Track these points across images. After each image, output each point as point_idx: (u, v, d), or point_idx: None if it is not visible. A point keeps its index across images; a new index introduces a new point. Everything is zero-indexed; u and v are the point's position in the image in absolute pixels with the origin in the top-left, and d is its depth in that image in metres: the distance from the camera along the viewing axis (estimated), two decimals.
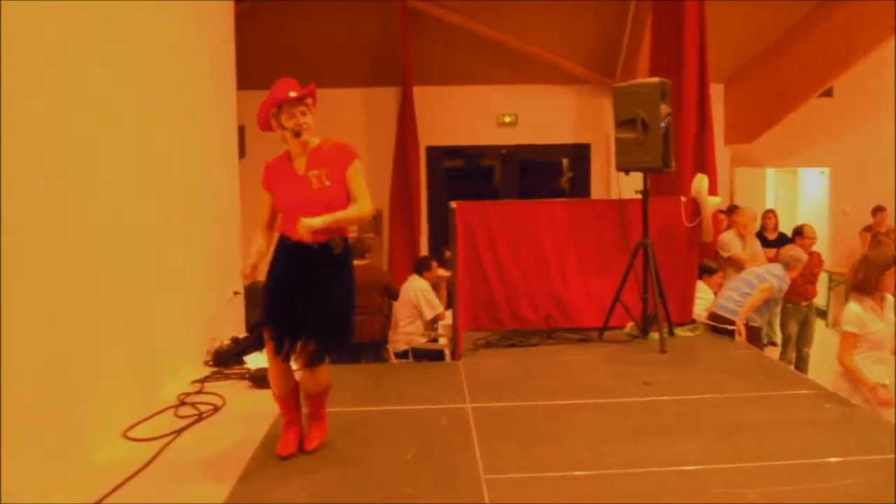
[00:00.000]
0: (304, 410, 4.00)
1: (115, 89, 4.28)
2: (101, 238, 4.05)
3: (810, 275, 8.08)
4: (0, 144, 3.02)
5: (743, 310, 6.36)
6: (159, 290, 4.90)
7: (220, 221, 6.41)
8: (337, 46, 10.05)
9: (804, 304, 8.14)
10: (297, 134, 3.65)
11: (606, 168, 11.04)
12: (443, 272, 7.52)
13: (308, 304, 3.69)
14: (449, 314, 6.94)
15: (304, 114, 3.66)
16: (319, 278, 3.71)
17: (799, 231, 8.27)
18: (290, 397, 3.95)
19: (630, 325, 6.53)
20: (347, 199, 3.71)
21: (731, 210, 8.53)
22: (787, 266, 6.66)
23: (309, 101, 3.69)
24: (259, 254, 3.86)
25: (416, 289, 7.31)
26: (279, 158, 3.82)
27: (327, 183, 3.67)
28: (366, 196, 3.75)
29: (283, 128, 3.66)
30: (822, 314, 11.71)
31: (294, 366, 3.90)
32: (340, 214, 3.65)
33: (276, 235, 3.84)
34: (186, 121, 5.58)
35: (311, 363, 3.80)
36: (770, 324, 7.94)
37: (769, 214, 8.98)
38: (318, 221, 3.55)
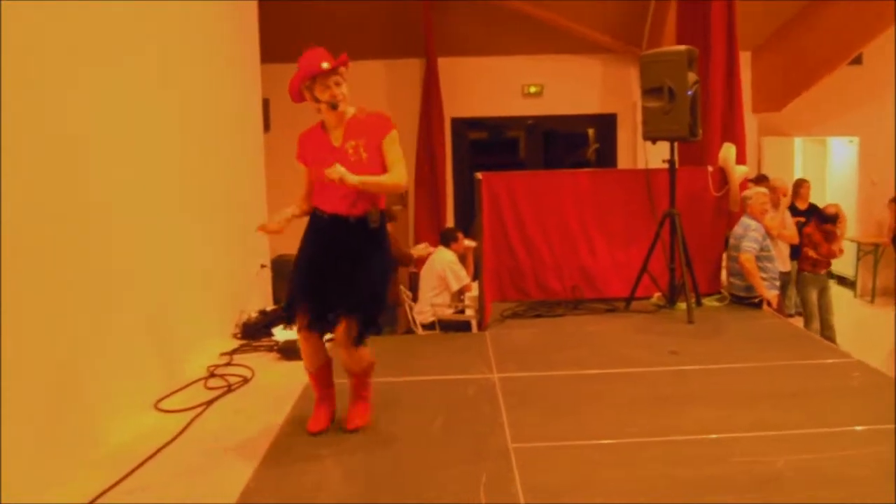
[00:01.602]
0: (349, 389, 3.91)
1: (137, 65, 4.30)
2: (128, 214, 4.09)
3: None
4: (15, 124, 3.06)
5: (756, 284, 6.29)
6: (187, 263, 4.94)
7: (246, 195, 6.44)
8: (360, 18, 10.00)
9: (823, 272, 8.05)
10: (333, 106, 3.58)
11: (633, 138, 10.95)
12: (469, 243, 7.51)
13: (345, 279, 3.61)
14: (475, 285, 6.95)
15: (338, 84, 3.59)
16: (357, 253, 3.64)
17: (828, 217, 8.04)
18: (323, 373, 3.88)
19: (657, 295, 6.51)
20: (384, 172, 3.63)
21: (760, 179, 8.43)
22: (750, 210, 6.50)
23: (342, 70, 3.61)
24: (288, 217, 3.74)
25: (443, 260, 7.31)
26: (313, 129, 3.75)
27: (364, 155, 3.60)
28: (402, 165, 3.67)
29: (317, 100, 3.59)
30: (851, 285, 11.63)
31: (328, 343, 3.86)
32: (375, 178, 3.57)
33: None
34: (211, 95, 5.60)
35: (354, 341, 3.66)
36: (787, 295, 7.89)
37: (802, 183, 8.87)
38: (355, 179, 3.46)
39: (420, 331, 7.20)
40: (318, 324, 3.68)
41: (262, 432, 3.80)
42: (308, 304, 3.67)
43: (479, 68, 10.63)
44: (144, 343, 4.22)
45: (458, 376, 4.73)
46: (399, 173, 3.66)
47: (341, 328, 3.62)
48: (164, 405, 4.19)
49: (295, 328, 3.76)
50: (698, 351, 5.17)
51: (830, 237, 7.89)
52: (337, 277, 3.62)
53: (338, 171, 3.43)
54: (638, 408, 4.11)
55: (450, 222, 10.63)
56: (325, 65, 3.54)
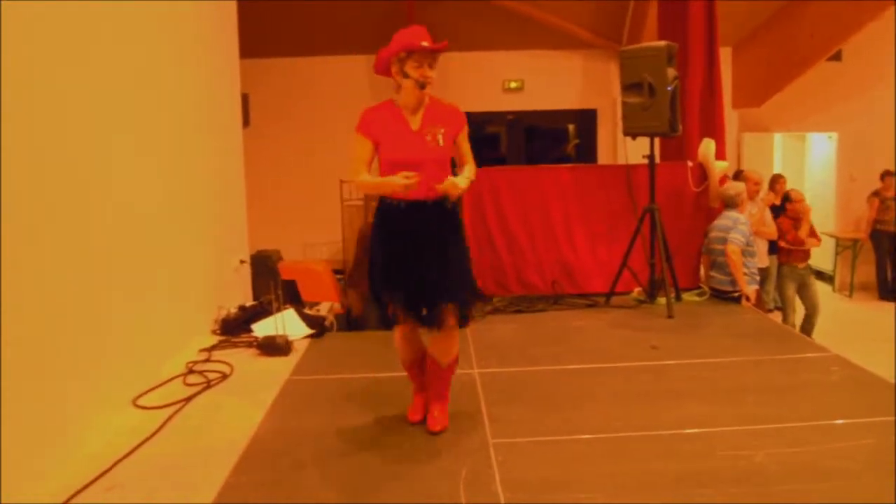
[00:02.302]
0: (428, 387, 3.86)
1: (114, 59, 4.24)
2: (106, 209, 4.04)
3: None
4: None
5: (738, 277, 6.31)
6: (165, 259, 4.90)
7: (226, 190, 6.39)
8: (342, 13, 9.97)
9: (801, 266, 8.09)
10: (422, 85, 3.52)
11: (613, 133, 10.99)
12: None
13: (434, 266, 3.56)
14: None
15: (431, 67, 3.56)
16: (439, 237, 3.60)
17: (787, 197, 8.19)
18: (419, 364, 3.87)
19: (637, 290, 6.52)
20: (450, 162, 3.65)
21: (738, 175, 8.47)
22: (734, 206, 6.53)
23: (438, 56, 3.59)
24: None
25: None
26: (384, 107, 3.66)
27: (441, 143, 3.58)
28: (472, 160, 3.75)
29: (405, 76, 3.54)
30: (830, 279, 11.72)
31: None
32: (470, 174, 3.66)
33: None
34: (190, 90, 5.55)
35: (457, 326, 3.65)
36: (765, 290, 7.92)
37: (779, 179, 8.91)
38: (465, 184, 3.54)
39: None
40: (414, 316, 3.62)
41: (242, 429, 3.77)
42: (401, 298, 3.60)
43: (460, 64, 10.60)
44: (122, 339, 4.17)
45: None
46: (474, 168, 3.75)
47: (440, 316, 3.58)
48: (143, 402, 4.15)
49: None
50: (679, 346, 5.19)
51: (797, 224, 7.94)
52: (425, 266, 3.56)
53: (451, 184, 3.47)
54: (619, 403, 4.11)
55: None
56: (425, 43, 3.52)
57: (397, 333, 3.79)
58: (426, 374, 3.84)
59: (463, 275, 3.67)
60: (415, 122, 3.61)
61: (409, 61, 3.53)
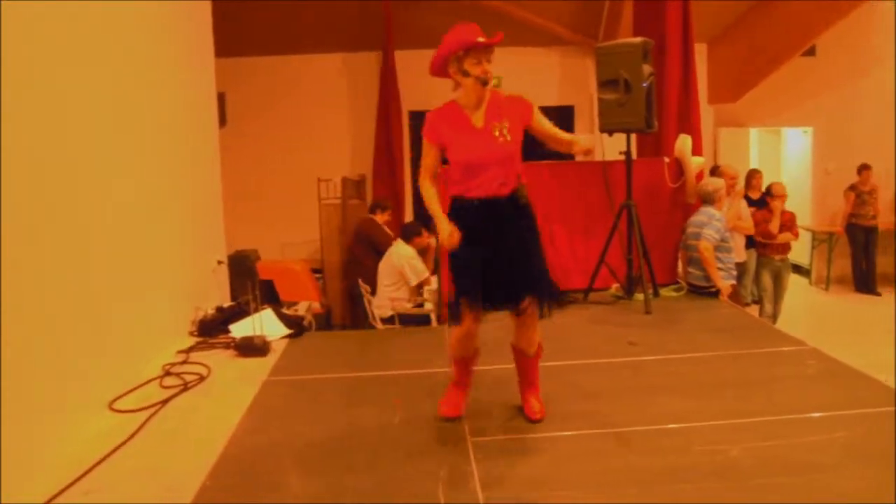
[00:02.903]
0: (520, 379, 3.96)
1: (88, 60, 4.20)
2: (81, 209, 4.00)
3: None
4: None
5: (711, 273, 6.34)
6: (142, 260, 4.86)
7: (202, 190, 6.35)
8: (318, 12, 9.93)
9: (777, 258, 8.15)
10: (483, 82, 3.51)
11: (590, 130, 11.00)
12: (432, 242, 7.47)
13: (513, 261, 3.58)
14: (434, 279, 6.94)
15: (489, 62, 3.54)
16: (515, 232, 3.61)
17: (769, 191, 8.26)
18: (472, 360, 3.92)
19: (615, 286, 6.54)
20: (520, 155, 3.64)
21: (714, 170, 8.50)
22: (711, 202, 6.56)
23: (493, 50, 3.56)
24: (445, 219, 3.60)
25: (401, 255, 7.28)
26: (447, 109, 3.66)
27: (508, 137, 3.56)
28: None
29: (465, 74, 3.52)
30: (807, 273, 11.81)
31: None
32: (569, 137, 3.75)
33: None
34: (165, 89, 5.50)
35: (540, 316, 3.72)
36: (743, 284, 7.97)
37: (755, 174, 8.96)
38: (587, 142, 3.74)
39: (379, 325, 7.17)
40: (490, 311, 3.67)
41: (219, 430, 3.74)
42: (482, 297, 3.61)
43: None
44: (98, 342, 4.13)
45: (417, 371, 4.71)
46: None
47: (524, 309, 3.67)
48: (119, 405, 4.11)
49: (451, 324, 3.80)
50: (657, 341, 5.20)
51: (770, 217, 8.00)
52: (503, 262, 3.57)
53: (585, 142, 3.72)
54: (597, 399, 4.12)
55: (408, 216, 10.61)
56: (481, 39, 3.49)
57: (460, 329, 3.74)
58: (517, 366, 3.95)
59: (543, 268, 3.71)
60: (478, 120, 3.60)
61: (468, 59, 3.51)
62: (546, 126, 3.71)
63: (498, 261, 3.57)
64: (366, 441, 3.64)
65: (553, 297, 3.72)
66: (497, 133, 3.54)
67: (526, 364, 3.91)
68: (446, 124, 3.61)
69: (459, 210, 3.62)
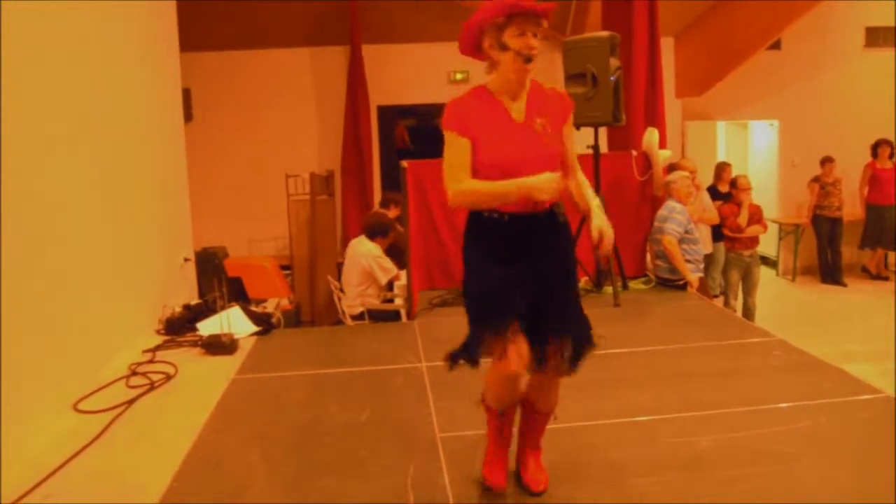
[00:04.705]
0: (521, 438, 3.22)
1: (47, 55, 4.14)
2: (44, 207, 3.94)
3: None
4: None
5: (679, 266, 6.39)
6: (107, 258, 4.80)
7: (168, 187, 6.29)
8: (285, 6, 9.87)
9: (746, 253, 8.22)
10: (527, 59, 2.73)
11: None
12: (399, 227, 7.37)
13: (548, 291, 2.88)
14: (403, 274, 6.91)
15: (535, 35, 2.74)
16: (553, 256, 2.90)
17: (734, 184, 8.34)
18: (514, 411, 3.12)
19: (584, 279, 6.56)
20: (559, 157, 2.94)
21: (671, 168, 8.52)
22: (675, 194, 6.60)
23: (544, 22, 2.77)
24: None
25: (367, 254, 7.21)
26: (475, 96, 2.88)
27: (550, 135, 2.87)
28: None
29: (503, 48, 2.74)
30: (774, 264, 11.92)
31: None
32: (592, 193, 3.04)
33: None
34: (127, 85, 5.44)
35: (569, 364, 2.94)
36: (711, 276, 8.04)
37: (725, 167, 9.01)
38: (602, 218, 2.89)
39: (349, 322, 7.14)
40: (534, 352, 2.85)
41: (186, 431, 3.71)
42: (521, 331, 2.81)
43: (404, 55, 10.57)
44: (62, 341, 4.08)
45: (386, 366, 4.69)
46: (586, 180, 3.10)
47: (552, 353, 2.90)
48: (84, 406, 4.06)
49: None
50: (626, 334, 5.22)
51: (737, 210, 8.07)
52: (537, 291, 2.86)
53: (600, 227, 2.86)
54: (566, 392, 4.07)
55: None
56: (527, 4, 2.70)
57: (510, 376, 2.83)
58: (522, 423, 3.18)
59: (578, 300, 3.01)
60: (517, 111, 2.86)
61: (509, 29, 2.73)
62: (569, 142, 3.03)
63: (532, 292, 2.85)
64: (334, 438, 3.63)
65: (587, 343, 2.98)
66: (540, 130, 2.84)
67: (536, 422, 3.14)
68: (475, 115, 2.83)
69: (486, 224, 2.91)
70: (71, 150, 4.36)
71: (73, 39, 4.50)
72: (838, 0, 10.92)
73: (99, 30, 4.94)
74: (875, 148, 10.96)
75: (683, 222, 6.40)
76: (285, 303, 7.56)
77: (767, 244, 11.31)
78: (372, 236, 7.33)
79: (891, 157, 11.03)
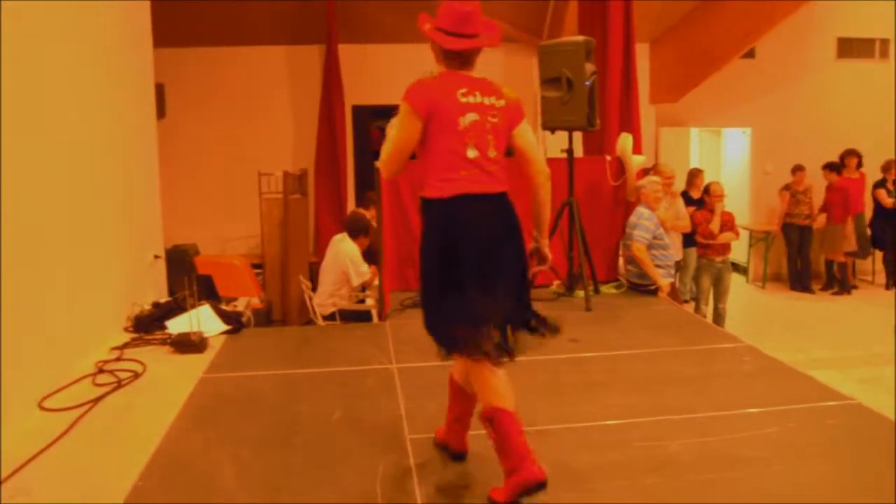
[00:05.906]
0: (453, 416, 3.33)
1: (16, 48, 4.07)
2: (12, 202, 3.87)
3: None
4: None
5: (649, 272, 6.42)
6: (74, 254, 4.73)
7: (139, 183, 6.21)
8: (259, 2, 9.81)
9: (718, 259, 8.27)
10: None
11: (533, 127, 11.03)
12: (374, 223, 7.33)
13: (508, 279, 2.98)
14: (377, 278, 6.88)
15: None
16: (507, 242, 3.02)
17: (706, 191, 8.39)
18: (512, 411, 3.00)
19: (556, 283, 6.57)
20: None
21: (647, 171, 8.55)
22: (644, 199, 6.63)
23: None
24: None
25: (346, 253, 7.18)
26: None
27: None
28: None
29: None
30: (744, 271, 12.02)
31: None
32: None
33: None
34: (101, 80, 5.37)
35: (518, 354, 3.02)
36: (682, 281, 8.09)
37: (697, 173, 9.07)
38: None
39: (321, 322, 7.10)
40: (506, 343, 2.93)
41: (153, 429, 3.66)
42: (491, 325, 2.90)
43: (380, 56, 10.53)
44: (28, 339, 4.00)
45: (357, 367, 4.66)
46: None
47: (515, 342, 3.01)
48: (49, 404, 4.00)
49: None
50: (597, 338, 5.23)
51: (710, 217, 8.13)
52: (500, 279, 2.95)
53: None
54: (538, 396, 4.12)
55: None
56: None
57: (489, 373, 2.96)
58: (455, 405, 3.30)
59: (529, 288, 3.16)
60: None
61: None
62: None
63: (495, 282, 2.95)
64: (304, 439, 3.60)
65: (543, 328, 3.14)
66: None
67: (469, 406, 3.23)
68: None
69: (444, 209, 3.01)
70: (37, 144, 4.29)
71: (42, 33, 4.43)
72: (812, 10, 11.03)
73: (69, 23, 4.86)
74: (842, 159, 11.12)
75: (651, 228, 6.43)
76: (256, 302, 7.50)
77: (738, 251, 11.40)
78: (354, 235, 7.30)
79: (858, 167, 11.20)
